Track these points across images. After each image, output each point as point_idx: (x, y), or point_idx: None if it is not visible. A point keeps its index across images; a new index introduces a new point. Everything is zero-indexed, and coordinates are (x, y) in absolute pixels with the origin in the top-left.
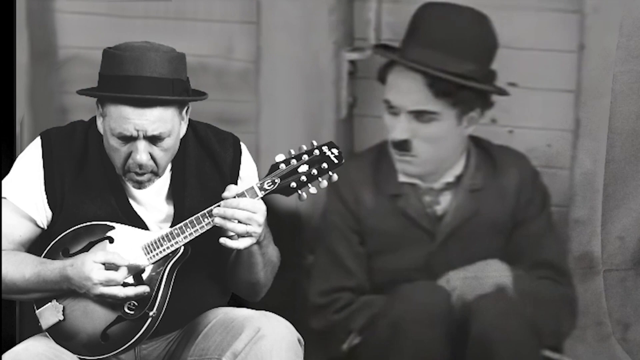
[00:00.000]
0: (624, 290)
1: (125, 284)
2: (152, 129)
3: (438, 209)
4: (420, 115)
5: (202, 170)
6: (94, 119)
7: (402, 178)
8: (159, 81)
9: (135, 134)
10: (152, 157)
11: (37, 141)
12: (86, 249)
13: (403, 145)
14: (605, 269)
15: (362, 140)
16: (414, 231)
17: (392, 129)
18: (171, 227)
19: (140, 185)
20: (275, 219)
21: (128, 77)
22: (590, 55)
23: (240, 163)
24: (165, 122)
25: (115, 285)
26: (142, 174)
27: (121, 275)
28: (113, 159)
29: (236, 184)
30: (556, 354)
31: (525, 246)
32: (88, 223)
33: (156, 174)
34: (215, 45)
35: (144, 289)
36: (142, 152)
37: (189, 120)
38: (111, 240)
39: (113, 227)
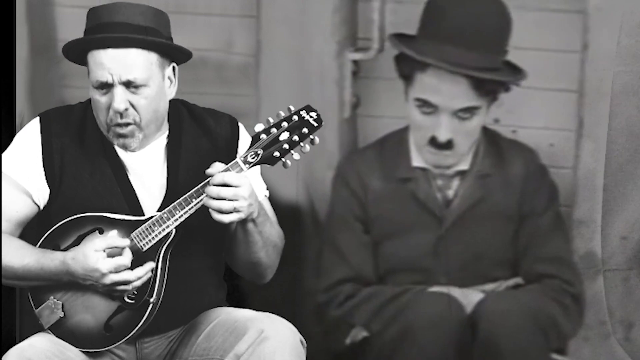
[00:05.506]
0: (626, 290)
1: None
2: (125, 72)
3: (449, 193)
4: (463, 112)
5: (199, 145)
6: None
7: (416, 163)
8: (131, 26)
9: (110, 78)
10: (133, 105)
11: (36, 119)
12: (76, 242)
13: (447, 145)
14: (606, 268)
15: (366, 140)
16: (421, 216)
17: (432, 128)
18: (162, 202)
19: (124, 140)
20: (275, 213)
21: (101, 23)
22: (593, 55)
23: (238, 138)
24: (139, 67)
25: (124, 269)
26: (124, 125)
27: (127, 258)
28: (98, 118)
29: (234, 158)
30: (560, 356)
31: (532, 240)
32: (76, 216)
33: (139, 126)
34: (215, 39)
35: (150, 265)
36: (118, 98)
37: (185, 102)
38: (101, 231)
39: (101, 218)
